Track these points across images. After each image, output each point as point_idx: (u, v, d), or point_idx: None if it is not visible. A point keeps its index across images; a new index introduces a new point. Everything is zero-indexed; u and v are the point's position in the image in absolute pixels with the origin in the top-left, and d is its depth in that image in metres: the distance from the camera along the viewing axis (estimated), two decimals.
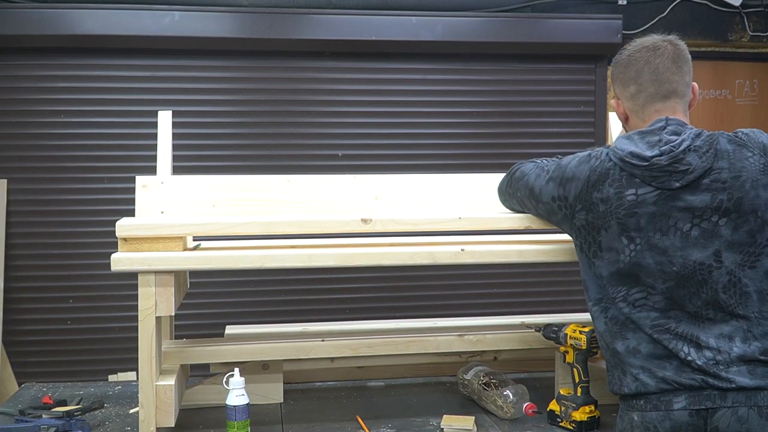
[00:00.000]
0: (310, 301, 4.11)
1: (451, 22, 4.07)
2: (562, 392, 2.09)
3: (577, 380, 2.05)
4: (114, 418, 2.20)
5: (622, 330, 1.71)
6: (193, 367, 2.41)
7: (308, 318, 3.63)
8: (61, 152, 3.95)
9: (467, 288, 4.23)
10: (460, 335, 2.29)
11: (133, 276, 1.94)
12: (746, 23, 4.39)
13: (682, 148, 1.66)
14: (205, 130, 4.05)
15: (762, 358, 1.63)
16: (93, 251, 3.93)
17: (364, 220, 2.01)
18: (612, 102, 1.91)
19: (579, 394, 2.05)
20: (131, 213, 2.19)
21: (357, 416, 2.17)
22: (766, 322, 1.65)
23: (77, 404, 2.23)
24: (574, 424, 2.04)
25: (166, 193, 2.18)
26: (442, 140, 4.23)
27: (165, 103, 3.84)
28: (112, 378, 3.79)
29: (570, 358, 2.08)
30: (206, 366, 2.34)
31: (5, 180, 3.89)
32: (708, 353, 1.63)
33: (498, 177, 2.31)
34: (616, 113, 1.91)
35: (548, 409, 2.12)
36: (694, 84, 1.83)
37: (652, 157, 1.67)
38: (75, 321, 3.98)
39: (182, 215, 2.15)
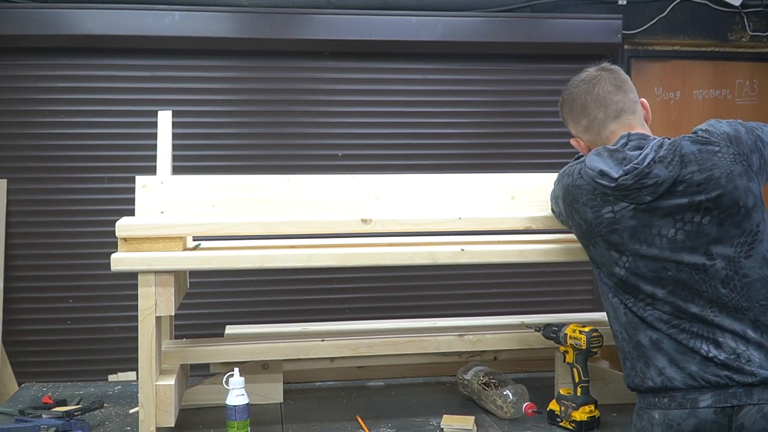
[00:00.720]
0: (310, 301, 4.11)
1: (451, 22, 4.07)
2: (562, 392, 2.09)
3: (577, 380, 2.05)
4: (114, 418, 2.20)
5: (641, 323, 1.70)
6: (193, 367, 2.41)
7: (308, 318, 3.63)
8: (61, 152, 3.96)
9: (467, 288, 4.23)
10: (460, 335, 2.29)
11: (133, 276, 1.94)
12: (746, 23, 4.39)
13: (646, 162, 1.67)
14: (205, 130, 4.05)
15: None
16: (93, 251, 3.93)
17: (364, 220, 2.01)
18: (571, 141, 1.94)
19: (579, 394, 2.05)
20: (131, 213, 2.19)
21: (357, 416, 2.17)
22: None
23: (77, 404, 2.23)
24: (574, 424, 2.04)
25: (166, 193, 2.18)
26: (442, 140, 4.23)
27: (165, 103, 3.85)
28: (112, 378, 3.79)
29: (570, 358, 2.08)
30: (206, 366, 2.34)
31: (5, 180, 3.89)
32: (728, 348, 1.63)
33: (497, 177, 2.32)
34: (580, 151, 1.94)
35: (548, 409, 2.12)
36: (643, 100, 1.88)
37: (618, 177, 1.68)
38: (75, 321, 3.98)
39: (182, 215, 2.15)
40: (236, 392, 1.98)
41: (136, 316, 1.93)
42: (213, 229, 1.99)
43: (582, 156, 2.03)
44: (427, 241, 2.20)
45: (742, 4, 4.30)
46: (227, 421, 1.98)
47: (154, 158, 2.28)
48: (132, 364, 3.51)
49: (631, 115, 1.83)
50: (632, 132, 1.77)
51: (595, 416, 2.05)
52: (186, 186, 2.20)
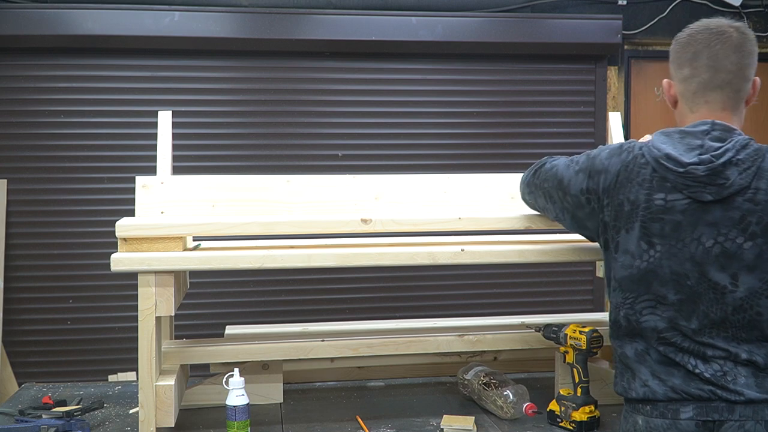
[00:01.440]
0: (310, 301, 4.12)
1: (451, 22, 4.07)
2: (562, 392, 2.09)
3: (577, 380, 2.05)
4: (114, 418, 2.20)
5: (629, 334, 1.67)
6: (193, 367, 2.41)
7: (308, 318, 3.63)
8: (61, 152, 3.96)
9: (467, 288, 4.23)
10: (460, 335, 2.29)
11: (133, 276, 1.94)
12: (746, 23, 4.39)
13: (722, 160, 1.55)
14: (205, 130, 4.05)
15: None
16: (93, 251, 3.93)
17: (364, 220, 2.01)
18: (664, 82, 1.78)
19: (579, 394, 2.05)
20: (131, 213, 2.19)
21: (357, 416, 2.17)
22: None
23: (77, 404, 2.23)
24: (574, 424, 2.03)
25: (166, 193, 2.18)
26: (442, 140, 4.23)
27: (165, 103, 3.85)
28: (112, 378, 3.79)
29: (570, 358, 2.08)
30: (206, 366, 2.34)
31: (5, 180, 3.89)
32: (715, 365, 1.59)
33: (497, 177, 2.32)
34: (666, 95, 1.79)
35: (548, 409, 2.12)
36: (756, 79, 1.68)
37: (689, 164, 1.57)
38: (75, 321, 3.98)
39: (182, 215, 2.15)
40: (236, 392, 1.98)
41: (136, 316, 1.93)
42: (213, 229, 1.99)
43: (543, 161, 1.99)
44: (427, 241, 2.20)
45: (742, 4, 4.30)
46: (227, 421, 1.98)
47: (154, 158, 2.28)
48: (132, 364, 3.51)
49: (734, 92, 1.65)
50: (717, 122, 1.63)
51: (595, 416, 2.05)
52: (186, 186, 2.20)
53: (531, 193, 2.00)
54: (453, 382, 2.46)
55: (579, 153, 2.00)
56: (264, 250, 2.02)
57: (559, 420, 2.08)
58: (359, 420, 2.13)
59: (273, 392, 2.31)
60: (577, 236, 2.21)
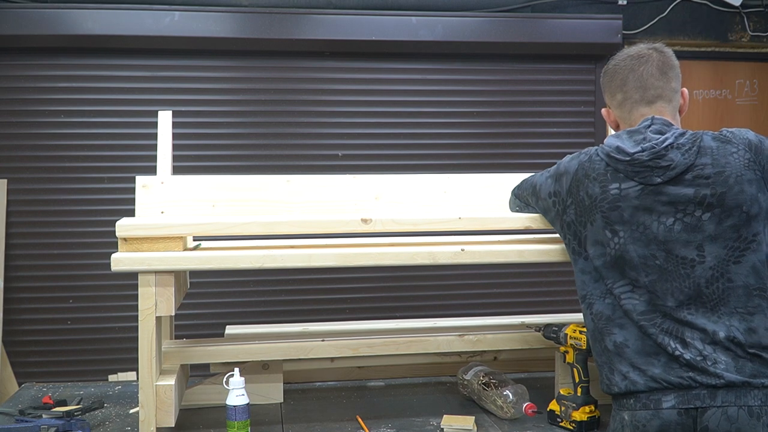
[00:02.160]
0: (310, 301, 4.12)
1: (451, 22, 4.07)
2: (562, 392, 2.09)
3: (577, 380, 2.05)
4: (114, 418, 2.20)
5: (607, 325, 1.73)
6: (193, 367, 2.41)
7: (308, 318, 3.63)
8: (61, 152, 3.96)
9: (467, 288, 4.23)
10: (460, 335, 2.29)
11: (133, 276, 1.94)
12: (746, 23, 4.39)
13: (664, 145, 1.69)
14: (205, 130, 4.05)
15: (750, 351, 1.63)
16: (93, 251, 3.93)
17: (364, 220, 2.01)
18: (603, 111, 1.95)
19: (579, 394, 2.05)
20: (131, 213, 2.19)
21: (357, 416, 2.17)
22: (750, 318, 1.65)
23: (77, 404, 2.23)
24: (574, 424, 2.04)
25: (166, 193, 2.18)
26: (442, 140, 4.23)
27: (165, 103, 3.85)
28: (112, 378, 3.79)
29: (570, 358, 2.08)
30: (206, 366, 2.34)
31: (5, 180, 3.89)
32: (694, 350, 1.64)
33: (497, 177, 2.32)
34: (608, 122, 1.95)
35: (548, 409, 2.12)
36: (684, 90, 1.86)
37: (634, 152, 1.70)
38: (75, 321, 3.98)
39: (182, 215, 2.15)
40: (236, 392, 1.98)
41: (136, 316, 1.93)
42: (213, 229, 1.99)
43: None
44: (427, 241, 2.20)
45: (742, 4, 4.30)
46: (227, 421, 1.98)
47: (154, 158, 2.28)
48: (132, 364, 3.51)
49: (667, 103, 1.82)
50: (657, 117, 1.77)
51: (595, 416, 2.05)
52: (186, 186, 2.20)
53: (513, 203, 2.17)
54: (453, 382, 2.46)
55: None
56: (264, 250, 2.02)
57: (559, 420, 2.08)
58: (359, 420, 2.14)
59: (273, 392, 2.31)
60: None
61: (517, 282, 4.28)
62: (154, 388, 1.94)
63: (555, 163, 1.95)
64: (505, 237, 2.20)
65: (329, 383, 2.52)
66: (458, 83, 4.22)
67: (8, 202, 3.90)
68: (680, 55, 4.73)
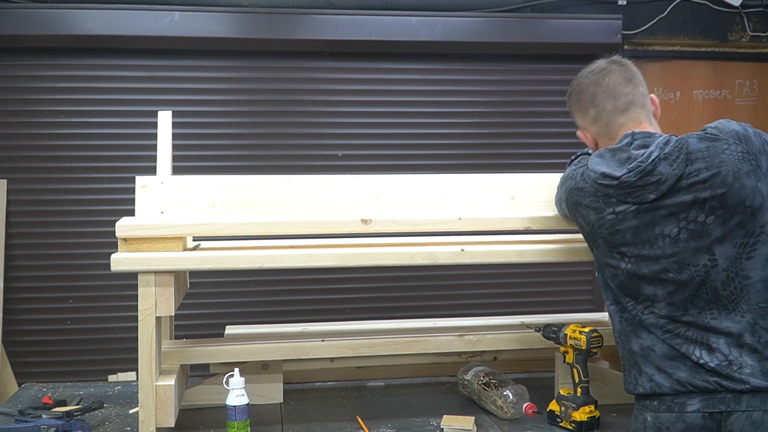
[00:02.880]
0: (310, 301, 4.11)
1: (451, 22, 4.06)
2: (562, 392, 2.09)
3: (577, 380, 2.05)
4: (114, 418, 2.20)
5: (636, 329, 1.72)
6: (193, 367, 2.41)
7: (308, 318, 3.63)
8: (61, 152, 3.95)
9: (467, 288, 4.22)
10: (460, 335, 2.29)
11: (133, 276, 1.94)
12: (746, 23, 4.39)
13: (650, 160, 1.66)
14: (205, 130, 4.05)
15: None
16: (93, 251, 3.93)
17: (364, 221, 2.01)
18: (578, 134, 1.93)
19: (579, 394, 2.05)
20: (131, 213, 2.19)
21: (357, 416, 2.17)
22: None
23: (77, 404, 2.23)
24: (574, 424, 2.04)
25: (166, 193, 2.18)
26: (442, 140, 4.23)
27: (165, 103, 3.85)
28: (112, 378, 3.79)
29: (570, 358, 2.08)
30: (206, 366, 2.34)
31: (5, 180, 3.89)
32: (720, 355, 1.62)
33: (497, 177, 2.31)
34: (588, 144, 1.93)
35: (548, 409, 2.12)
36: (652, 95, 1.86)
37: (621, 176, 1.68)
38: (75, 321, 3.98)
39: (182, 215, 2.15)
40: (236, 392, 1.98)
41: (136, 316, 1.93)
42: (213, 229, 1.99)
43: (581, 153, 2.03)
44: (427, 241, 2.20)
45: (742, 4, 4.30)
46: (227, 421, 1.98)
47: (154, 158, 2.28)
48: (132, 364, 3.51)
49: (640, 108, 1.81)
50: (637, 131, 1.75)
51: (595, 416, 2.05)
52: (186, 186, 2.20)
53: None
54: (453, 382, 2.46)
55: (574, 154, 2.01)
56: (264, 250, 2.02)
57: (559, 420, 2.08)
58: (359, 420, 2.14)
59: (273, 392, 2.31)
60: (578, 236, 2.21)
61: (517, 282, 4.28)
62: (154, 388, 1.95)
63: (556, 164, 1.96)
64: (505, 237, 2.20)
65: (329, 383, 2.52)
66: (458, 83, 4.22)
67: (8, 202, 3.89)
68: (680, 55, 4.72)
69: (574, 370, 2.06)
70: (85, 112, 3.96)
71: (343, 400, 2.35)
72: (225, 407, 1.99)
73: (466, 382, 2.32)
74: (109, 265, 1.91)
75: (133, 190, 2.20)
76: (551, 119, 4.30)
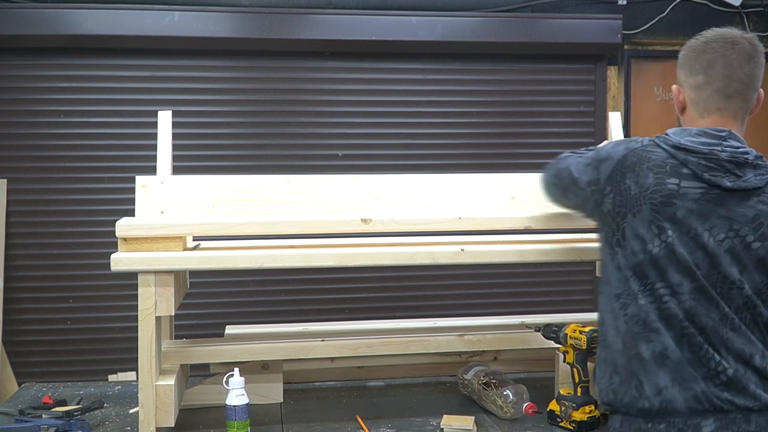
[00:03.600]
0: (310, 301, 4.11)
1: (451, 22, 4.07)
2: (562, 392, 2.09)
3: (577, 380, 2.05)
4: (114, 418, 2.20)
5: (644, 331, 1.59)
6: (193, 367, 2.41)
7: (308, 318, 3.63)
8: (61, 152, 3.96)
9: (467, 288, 4.23)
10: (460, 335, 2.29)
11: (133, 276, 1.94)
12: (746, 23, 4.39)
13: (744, 157, 1.59)
14: (205, 130, 4.05)
15: None
16: (93, 251, 3.93)
17: (364, 220, 2.01)
18: (673, 88, 1.77)
19: (579, 394, 2.05)
20: (131, 213, 2.19)
21: (357, 416, 2.16)
22: None
23: (77, 404, 2.23)
24: (574, 424, 2.03)
25: (166, 193, 2.18)
26: (442, 140, 4.23)
27: (165, 103, 3.85)
28: (112, 378, 3.79)
29: (570, 358, 2.08)
30: (206, 366, 2.34)
31: (5, 180, 3.89)
32: (732, 367, 1.56)
33: (497, 177, 2.31)
34: (675, 101, 1.79)
35: (548, 409, 2.12)
36: (761, 91, 1.72)
37: (712, 149, 1.59)
38: (75, 321, 3.98)
39: (182, 215, 2.15)
40: (236, 392, 1.98)
41: (136, 316, 1.93)
42: (213, 229, 1.99)
43: (569, 153, 1.96)
44: (427, 241, 2.20)
45: (742, 4, 4.30)
46: (227, 421, 1.98)
47: (154, 158, 2.28)
48: (132, 364, 3.50)
49: (744, 102, 1.68)
50: (734, 132, 1.65)
51: (595, 416, 2.05)
52: (186, 186, 2.20)
53: (551, 191, 1.93)
54: (453, 382, 2.46)
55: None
56: (264, 250, 2.02)
57: (559, 420, 2.08)
58: (359, 420, 2.13)
59: (273, 392, 2.31)
60: (577, 236, 2.21)
61: (517, 282, 4.28)
62: (154, 388, 1.95)
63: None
64: (505, 237, 2.20)
65: (329, 383, 2.52)
66: (458, 83, 4.22)
67: (8, 202, 3.89)
68: None
69: (574, 370, 2.06)
70: (85, 112, 3.97)
71: (343, 400, 2.35)
72: (225, 407, 1.99)
73: (466, 382, 2.32)
74: (109, 265, 1.91)
75: (133, 190, 2.20)
76: (551, 119, 4.30)
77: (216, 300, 4.03)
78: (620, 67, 4.34)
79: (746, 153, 1.61)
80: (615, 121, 2.53)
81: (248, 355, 2.21)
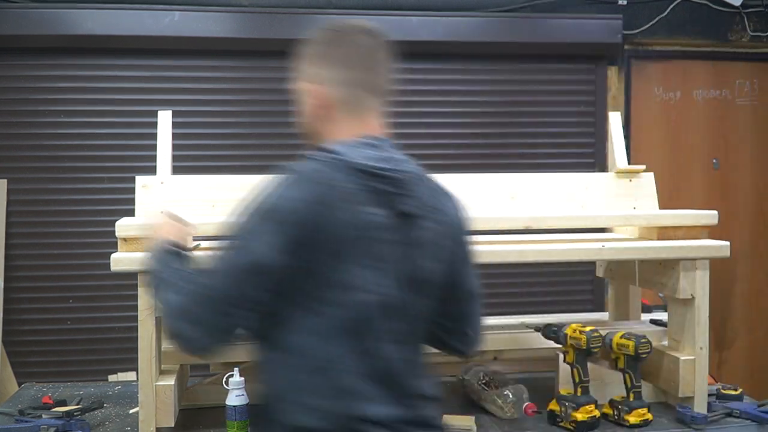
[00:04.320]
0: None
1: (451, 22, 4.06)
2: (562, 392, 2.09)
3: (577, 380, 2.05)
4: (114, 418, 2.20)
5: None
6: (193, 367, 2.41)
7: None
8: (61, 152, 3.96)
9: None
10: None
11: (133, 276, 1.94)
12: (746, 23, 4.39)
13: (416, 173, 1.51)
14: (205, 130, 4.05)
15: None
16: (93, 251, 3.93)
17: None
18: (310, 89, 1.60)
19: (579, 394, 2.05)
20: (131, 213, 2.19)
21: None
22: None
23: (77, 404, 2.23)
24: (574, 424, 2.03)
25: (166, 193, 2.18)
26: (442, 140, 4.23)
27: (165, 103, 3.84)
28: (112, 378, 3.79)
29: (570, 358, 2.08)
30: (206, 366, 2.34)
31: (5, 180, 3.89)
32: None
33: (498, 177, 2.31)
34: (313, 105, 1.65)
35: (548, 409, 2.12)
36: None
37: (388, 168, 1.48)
38: (75, 321, 3.98)
39: (182, 215, 2.15)
40: (236, 392, 1.98)
41: (136, 316, 1.93)
42: (213, 229, 1.98)
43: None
44: None
45: (742, 4, 4.30)
46: (227, 421, 1.98)
47: (154, 158, 2.28)
48: (132, 364, 3.50)
49: (385, 104, 1.58)
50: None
51: (595, 416, 2.05)
52: (186, 186, 2.20)
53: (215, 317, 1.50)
54: (453, 382, 2.46)
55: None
56: None
57: (559, 420, 2.08)
58: None
59: None
60: (577, 236, 2.21)
61: (517, 282, 4.28)
62: (154, 388, 1.94)
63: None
64: (506, 237, 2.20)
65: None
66: (458, 83, 4.22)
67: (8, 202, 3.89)
68: (680, 55, 4.72)
69: (574, 370, 2.06)
70: (85, 112, 3.97)
71: None
72: (225, 407, 1.99)
73: (466, 382, 2.31)
74: (109, 265, 1.91)
75: (133, 190, 2.20)
76: (551, 119, 4.30)
77: None
78: (620, 67, 4.34)
79: (415, 169, 1.47)
80: (615, 121, 2.53)
81: (248, 354, 2.21)
